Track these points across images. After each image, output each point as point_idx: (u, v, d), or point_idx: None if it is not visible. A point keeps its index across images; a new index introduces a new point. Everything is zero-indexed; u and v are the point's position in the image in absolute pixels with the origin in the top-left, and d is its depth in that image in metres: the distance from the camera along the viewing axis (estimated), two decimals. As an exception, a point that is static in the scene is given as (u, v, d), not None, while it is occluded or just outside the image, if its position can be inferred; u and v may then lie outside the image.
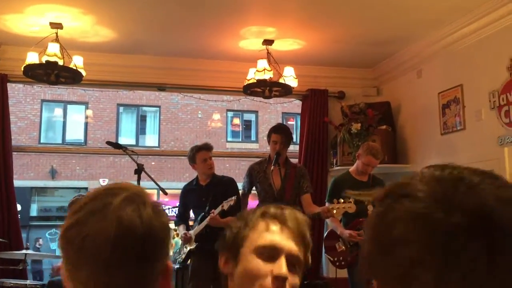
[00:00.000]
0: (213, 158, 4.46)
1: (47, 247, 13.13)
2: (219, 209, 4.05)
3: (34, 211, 14.43)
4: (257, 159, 4.58)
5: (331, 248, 4.40)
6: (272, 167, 4.20)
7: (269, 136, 4.41)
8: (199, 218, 4.32)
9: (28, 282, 4.06)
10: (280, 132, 4.33)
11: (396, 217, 0.58)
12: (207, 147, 4.46)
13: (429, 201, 0.57)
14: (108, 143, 4.12)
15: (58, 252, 5.10)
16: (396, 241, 0.57)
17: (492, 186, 0.58)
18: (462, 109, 4.61)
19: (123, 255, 0.82)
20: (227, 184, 4.42)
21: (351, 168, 4.47)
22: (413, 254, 0.55)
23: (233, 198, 4.03)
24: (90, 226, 0.82)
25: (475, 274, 0.53)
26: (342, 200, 3.98)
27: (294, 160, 5.12)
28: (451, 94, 4.75)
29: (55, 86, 5.01)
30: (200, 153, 4.40)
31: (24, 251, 4.16)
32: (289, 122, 15.03)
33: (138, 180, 3.76)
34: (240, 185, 4.49)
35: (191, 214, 4.63)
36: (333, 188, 4.35)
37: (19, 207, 6.24)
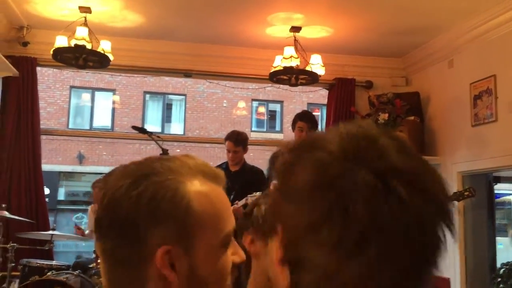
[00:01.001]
0: None
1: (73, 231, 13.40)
2: (243, 201, 4.01)
3: (61, 195, 14.73)
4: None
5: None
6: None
7: (294, 123, 4.36)
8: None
9: (54, 262, 4.13)
10: (306, 120, 4.29)
11: (303, 166, 0.57)
12: (232, 138, 4.34)
13: (338, 155, 0.56)
14: (134, 127, 4.14)
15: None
16: (300, 191, 0.56)
17: (395, 152, 0.57)
18: (495, 100, 4.47)
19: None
20: (256, 175, 4.34)
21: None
22: (316, 206, 0.54)
23: (258, 194, 3.96)
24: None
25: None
26: None
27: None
28: (484, 84, 4.61)
29: (83, 71, 5.06)
30: (226, 143, 4.36)
31: (50, 232, 4.23)
32: (314, 113, 14.90)
33: (163, 165, 3.76)
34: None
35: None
36: None
37: (47, 191, 6.37)
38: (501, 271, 5.42)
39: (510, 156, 4.22)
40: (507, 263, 5.65)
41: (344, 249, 0.53)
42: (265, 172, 4.47)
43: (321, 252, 0.54)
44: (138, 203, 0.75)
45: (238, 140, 4.30)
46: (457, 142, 4.92)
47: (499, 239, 8.03)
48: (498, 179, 6.82)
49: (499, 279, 5.33)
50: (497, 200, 9.23)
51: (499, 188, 8.07)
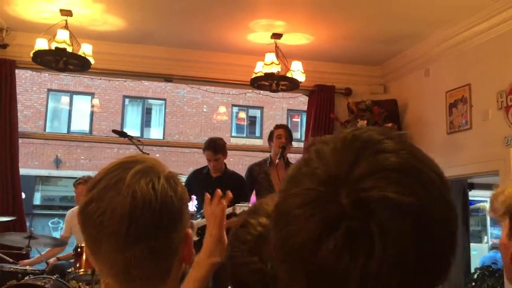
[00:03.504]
0: None
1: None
2: (229, 210, 3.93)
3: (37, 199, 14.49)
4: (261, 153, 4.60)
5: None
6: (277, 160, 4.21)
7: (271, 134, 4.46)
8: (202, 211, 4.27)
9: (28, 267, 4.07)
10: (284, 127, 4.37)
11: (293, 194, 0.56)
12: (211, 148, 4.22)
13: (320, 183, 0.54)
14: (114, 131, 4.13)
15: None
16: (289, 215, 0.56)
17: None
18: (469, 109, 4.60)
19: (140, 229, 0.82)
20: (237, 181, 4.29)
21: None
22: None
23: (248, 204, 3.92)
24: (106, 202, 0.83)
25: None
26: None
27: (300, 156, 5.12)
28: (459, 93, 4.74)
29: (63, 74, 5.03)
30: (206, 153, 4.27)
31: (26, 234, 4.17)
32: (294, 119, 15.02)
33: (143, 168, 3.76)
34: None
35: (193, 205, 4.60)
36: None
37: (23, 195, 6.27)
38: (475, 275, 5.55)
39: (484, 163, 4.34)
40: (481, 268, 5.79)
41: None
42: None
43: None
44: None
45: (216, 149, 4.23)
46: (433, 149, 5.02)
47: (473, 245, 8.20)
48: (472, 186, 6.98)
49: (473, 283, 5.46)
50: (472, 207, 9.42)
51: (473, 195, 8.22)
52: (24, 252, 4.06)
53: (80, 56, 4.39)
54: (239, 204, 3.82)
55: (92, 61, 4.49)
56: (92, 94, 14.46)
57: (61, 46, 4.18)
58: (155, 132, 15.24)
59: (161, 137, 14.91)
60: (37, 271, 3.96)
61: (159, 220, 0.83)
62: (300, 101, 8.34)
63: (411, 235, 0.51)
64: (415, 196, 0.52)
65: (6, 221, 4.41)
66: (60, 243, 4.49)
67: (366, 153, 0.54)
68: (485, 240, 11.65)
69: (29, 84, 13.52)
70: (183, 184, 0.93)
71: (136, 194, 0.82)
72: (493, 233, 11.16)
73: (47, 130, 14.13)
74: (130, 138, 3.98)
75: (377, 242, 0.50)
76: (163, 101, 15.05)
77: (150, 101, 15.21)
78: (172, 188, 0.87)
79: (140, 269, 0.84)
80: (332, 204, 0.52)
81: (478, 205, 10.51)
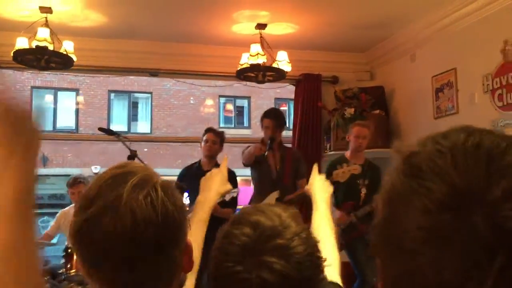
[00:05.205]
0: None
1: (38, 235, 13.09)
2: (220, 198, 3.99)
3: (26, 198, 14.36)
4: (251, 145, 4.57)
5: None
6: (266, 152, 4.19)
7: (261, 121, 4.41)
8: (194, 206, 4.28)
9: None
10: (271, 117, 4.33)
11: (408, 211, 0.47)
12: (213, 130, 4.46)
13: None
14: (101, 129, 4.07)
15: (53, 240, 5.04)
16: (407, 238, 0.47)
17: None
18: (456, 93, 4.61)
19: (142, 248, 0.79)
20: (228, 174, 4.33)
21: (346, 152, 4.49)
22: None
23: (236, 190, 3.98)
24: (104, 222, 0.79)
25: None
26: (346, 164, 3.94)
27: (288, 146, 5.11)
28: (445, 78, 4.74)
29: (46, 72, 4.94)
30: (207, 134, 4.39)
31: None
32: (281, 108, 14.99)
33: (132, 166, 3.73)
34: None
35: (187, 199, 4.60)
36: (329, 170, 4.34)
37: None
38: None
39: (472, 146, 4.36)
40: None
41: None
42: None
43: None
44: None
45: (217, 133, 4.42)
46: (421, 134, 4.92)
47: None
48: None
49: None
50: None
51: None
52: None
53: (62, 54, 4.31)
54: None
55: (74, 58, 4.41)
56: (76, 90, 14.30)
57: (42, 44, 4.10)
58: (143, 126, 15.14)
59: (149, 131, 14.82)
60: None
61: (161, 237, 0.81)
62: (288, 90, 8.28)
63: None
64: None
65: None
66: (46, 244, 4.45)
67: (499, 167, 0.45)
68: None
69: (12, 82, 13.32)
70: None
71: (135, 212, 0.79)
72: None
73: (33, 128, 13.96)
74: (117, 135, 3.93)
75: None
76: (149, 95, 14.93)
77: (136, 94, 15.08)
78: (171, 200, 0.84)
79: (141, 286, 0.82)
80: (468, 235, 0.43)
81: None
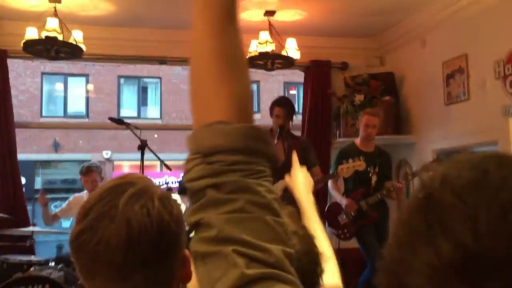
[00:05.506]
0: None
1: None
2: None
3: (38, 184, 14.54)
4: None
5: (334, 221, 4.44)
6: (275, 140, 4.18)
7: (271, 109, 4.38)
8: None
9: (32, 257, 4.09)
10: (283, 106, 4.30)
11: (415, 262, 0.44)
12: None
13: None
14: (111, 119, 4.10)
15: (65, 225, 5.16)
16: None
17: None
18: (467, 79, 4.56)
19: (137, 259, 0.79)
20: None
21: (356, 139, 4.50)
22: None
23: None
24: (100, 232, 0.80)
25: None
26: (352, 160, 4.00)
27: (297, 133, 5.10)
28: (456, 63, 4.69)
29: (56, 62, 4.97)
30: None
31: (31, 228, 4.19)
32: (291, 92, 14.94)
33: (142, 156, 3.76)
34: None
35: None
36: (338, 157, 4.35)
37: (23, 180, 6.26)
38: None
39: (483, 133, 4.33)
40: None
41: None
42: None
43: None
44: None
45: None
46: (432, 120, 5.01)
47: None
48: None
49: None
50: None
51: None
52: (28, 244, 4.09)
53: (71, 43, 4.32)
54: None
55: (83, 47, 4.42)
56: (86, 76, 14.35)
57: (51, 34, 4.11)
58: (152, 111, 15.19)
59: (158, 116, 14.86)
60: (42, 262, 3.99)
61: (156, 248, 0.81)
62: (297, 73, 8.25)
63: None
64: None
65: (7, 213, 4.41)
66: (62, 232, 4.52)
67: None
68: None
69: (22, 69, 13.40)
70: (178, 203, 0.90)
71: (131, 222, 0.79)
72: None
73: (44, 114, 14.08)
74: (127, 125, 3.96)
75: None
76: (159, 79, 14.94)
77: (145, 79, 15.10)
78: (167, 211, 0.83)
79: None
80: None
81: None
